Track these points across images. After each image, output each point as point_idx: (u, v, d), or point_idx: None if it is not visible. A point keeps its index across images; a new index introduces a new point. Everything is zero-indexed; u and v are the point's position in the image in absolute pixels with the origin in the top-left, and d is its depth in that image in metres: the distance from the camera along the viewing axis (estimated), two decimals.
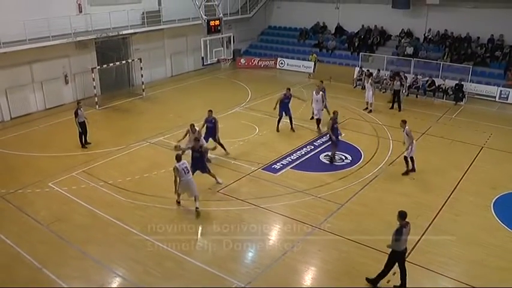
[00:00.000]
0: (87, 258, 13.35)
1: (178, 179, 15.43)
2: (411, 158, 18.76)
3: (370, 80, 27.05)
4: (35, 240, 14.25)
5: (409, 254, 13.38)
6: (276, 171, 19.07)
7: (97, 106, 27.16)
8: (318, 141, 22.19)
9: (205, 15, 27.48)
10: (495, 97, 29.47)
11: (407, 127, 18.52)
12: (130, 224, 15.01)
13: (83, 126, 21.23)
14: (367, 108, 26.96)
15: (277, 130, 23.45)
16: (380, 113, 26.43)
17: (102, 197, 16.89)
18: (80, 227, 14.93)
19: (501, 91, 29.36)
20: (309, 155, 20.74)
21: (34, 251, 13.64)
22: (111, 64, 29.10)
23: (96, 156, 20.35)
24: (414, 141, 18.66)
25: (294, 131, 23.51)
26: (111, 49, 30.62)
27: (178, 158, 15.48)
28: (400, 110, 26.91)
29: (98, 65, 28.57)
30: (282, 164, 19.69)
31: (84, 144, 21.40)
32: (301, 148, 21.32)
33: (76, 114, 20.93)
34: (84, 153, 20.62)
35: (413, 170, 18.90)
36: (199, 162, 17.02)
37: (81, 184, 17.85)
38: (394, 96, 27.55)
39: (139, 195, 16.96)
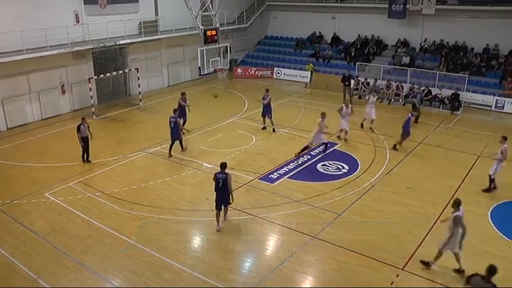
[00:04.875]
0: (84, 269, 13.27)
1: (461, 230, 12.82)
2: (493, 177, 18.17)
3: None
4: (31, 251, 14.16)
5: (406, 263, 13.42)
6: (273, 180, 19.05)
7: (94, 116, 27.12)
8: (315, 150, 22.17)
9: (202, 25, 27.47)
10: (491, 106, 29.57)
11: (505, 145, 17.75)
12: (127, 234, 14.95)
13: (85, 141, 20.51)
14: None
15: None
16: (377, 122, 26.39)
17: (99, 208, 16.80)
18: (76, 238, 14.85)
19: (497, 100, 29.47)
20: (306, 164, 20.73)
21: (30, 262, 13.56)
22: (108, 74, 29.19)
23: (93, 166, 20.30)
24: (503, 162, 17.84)
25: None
26: (108, 59, 30.57)
27: (459, 203, 13.11)
28: None
29: (95, 75, 28.57)
30: (279, 173, 19.69)
31: (85, 160, 20.77)
32: (298, 158, 21.27)
33: (78, 129, 20.23)
34: (80, 164, 20.53)
35: (494, 188, 18.18)
36: None
37: (78, 194, 17.79)
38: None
39: (136, 205, 16.90)
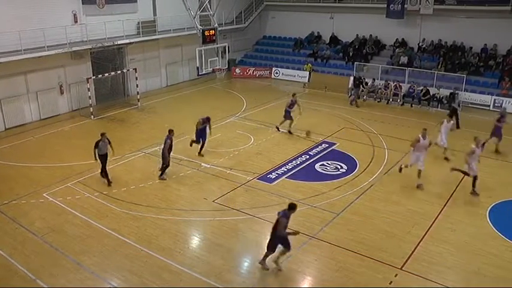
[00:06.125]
0: (82, 269, 13.26)
1: None
2: None
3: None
4: (30, 252, 14.14)
5: (405, 262, 13.43)
6: (271, 180, 19.05)
7: (92, 116, 27.11)
8: (313, 150, 22.19)
9: (200, 25, 27.51)
10: (489, 106, 29.58)
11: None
12: (126, 234, 14.95)
13: (103, 159, 18.59)
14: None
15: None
16: (375, 122, 26.47)
17: (98, 208, 16.80)
18: (75, 238, 14.85)
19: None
20: (304, 164, 20.71)
21: (28, 262, 13.54)
22: (107, 74, 29.18)
23: (91, 166, 20.10)
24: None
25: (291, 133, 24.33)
26: (106, 59, 30.63)
27: None
28: None
29: (94, 75, 28.54)
30: (277, 173, 19.68)
31: (108, 181, 18.68)
32: (297, 158, 21.31)
33: (96, 145, 18.30)
34: (79, 164, 20.47)
35: None
36: None
37: (76, 195, 17.77)
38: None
39: (134, 205, 16.90)
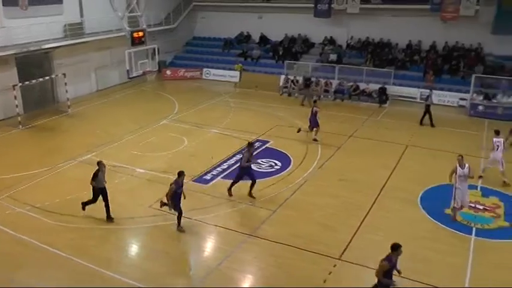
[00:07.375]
0: (13, 285, 12.70)
1: None
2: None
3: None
4: None
5: (343, 252, 13.75)
6: (207, 181, 18.99)
7: (20, 126, 25.84)
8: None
9: (128, 26, 26.99)
10: (416, 98, 30.82)
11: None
12: (61, 247, 14.29)
13: (103, 193, 15.90)
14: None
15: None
16: (307, 119, 26.78)
17: (30, 222, 15.98)
18: (4, 256, 14.08)
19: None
20: (239, 163, 20.70)
21: None
22: (34, 81, 27.86)
23: (21, 179, 19.23)
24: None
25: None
26: (33, 64, 29.29)
27: None
28: None
29: (20, 82, 27.15)
30: (212, 174, 19.63)
31: (107, 217, 16.04)
32: (231, 157, 21.32)
33: (95, 176, 15.66)
34: (8, 177, 19.36)
35: None
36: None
37: (6, 210, 16.81)
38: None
39: (69, 217, 16.20)
